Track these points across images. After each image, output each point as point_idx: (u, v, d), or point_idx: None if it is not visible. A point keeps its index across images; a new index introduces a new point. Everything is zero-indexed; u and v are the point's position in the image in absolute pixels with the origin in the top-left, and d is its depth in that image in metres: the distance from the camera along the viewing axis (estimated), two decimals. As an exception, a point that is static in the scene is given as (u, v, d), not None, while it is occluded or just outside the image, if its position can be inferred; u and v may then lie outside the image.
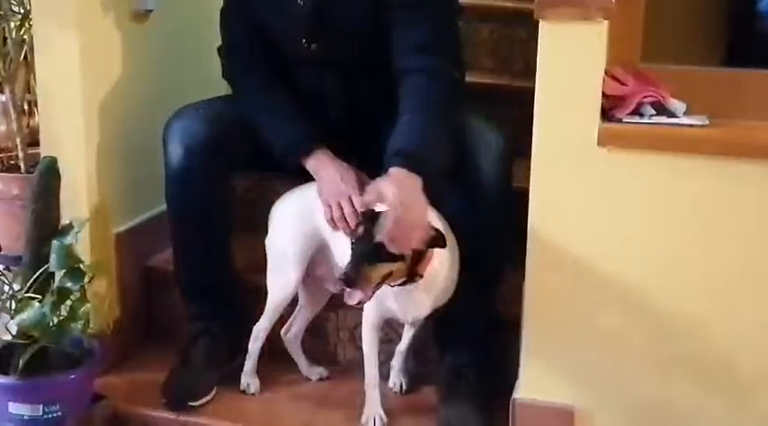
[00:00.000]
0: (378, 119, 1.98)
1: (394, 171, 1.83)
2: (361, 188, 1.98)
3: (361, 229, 1.82)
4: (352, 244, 1.82)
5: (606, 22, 1.78)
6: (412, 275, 1.86)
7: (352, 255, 1.79)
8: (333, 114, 2.16)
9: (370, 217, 1.81)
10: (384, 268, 1.79)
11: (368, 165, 2.00)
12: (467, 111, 2.02)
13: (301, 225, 2.07)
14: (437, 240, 1.84)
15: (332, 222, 1.98)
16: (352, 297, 1.81)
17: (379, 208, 1.82)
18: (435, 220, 1.89)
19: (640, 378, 1.90)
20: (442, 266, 1.90)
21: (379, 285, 1.82)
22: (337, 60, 2.10)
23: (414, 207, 1.80)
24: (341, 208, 1.96)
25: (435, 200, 1.90)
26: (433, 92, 1.94)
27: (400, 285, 1.88)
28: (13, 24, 2.30)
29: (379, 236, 1.77)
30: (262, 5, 2.10)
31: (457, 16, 2.09)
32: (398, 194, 1.78)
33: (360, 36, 2.05)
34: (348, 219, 1.95)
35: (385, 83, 1.99)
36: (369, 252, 1.78)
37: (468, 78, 2.14)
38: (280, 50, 2.14)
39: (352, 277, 1.77)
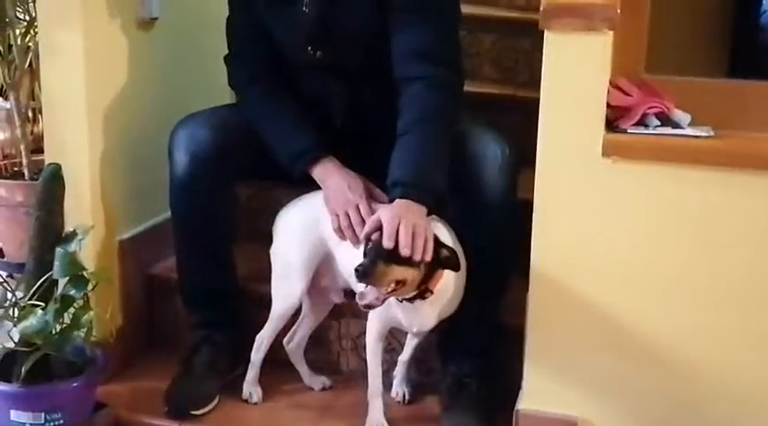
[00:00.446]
0: (383, 125, 1.98)
1: (396, 203, 1.85)
2: (369, 196, 1.99)
3: (377, 234, 1.82)
4: (369, 245, 1.82)
5: (611, 32, 1.78)
6: (422, 291, 1.85)
7: (370, 252, 1.80)
8: (338, 121, 2.16)
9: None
10: (399, 271, 1.79)
11: (374, 172, 2.00)
12: (471, 122, 2.02)
13: (307, 234, 2.07)
14: (451, 261, 1.84)
15: (339, 231, 1.97)
16: (364, 298, 1.81)
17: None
18: (449, 241, 1.89)
19: (644, 390, 1.90)
20: (450, 281, 1.89)
21: (390, 292, 1.81)
22: (342, 67, 2.10)
23: (415, 220, 1.80)
24: (348, 217, 1.96)
25: (441, 211, 1.91)
26: (434, 103, 1.95)
27: (409, 300, 1.87)
28: (18, 31, 2.31)
29: (386, 242, 1.78)
30: (266, 13, 2.10)
31: (458, 23, 2.09)
32: (396, 214, 1.80)
33: (364, 42, 2.05)
34: (355, 228, 1.95)
35: (389, 89, 1.99)
36: (386, 251, 1.78)
37: (473, 88, 2.15)
38: (285, 58, 2.14)
39: (368, 270, 1.77)
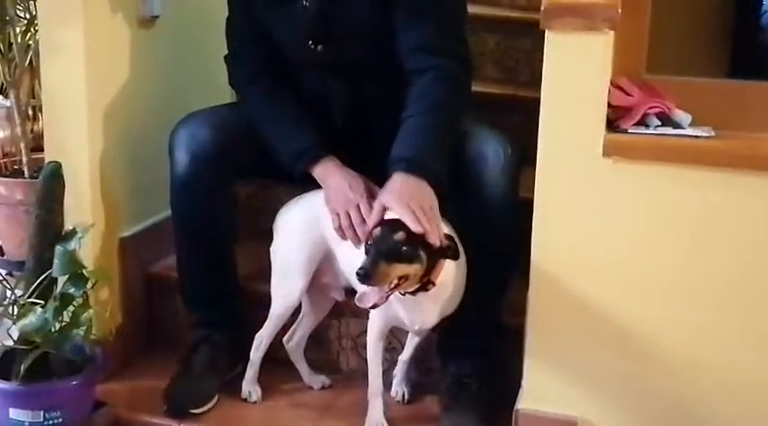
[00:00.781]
0: (383, 124, 1.98)
1: (396, 176, 1.86)
2: (370, 196, 1.98)
3: (377, 231, 1.81)
4: (369, 243, 1.81)
5: (612, 32, 1.77)
6: (425, 284, 1.85)
7: (371, 252, 1.79)
8: (338, 120, 2.16)
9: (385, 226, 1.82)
10: (400, 268, 1.78)
11: (375, 172, 2.00)
12: (473, 121, 2.02)
13: (307, 232, 2.06)
14: (450, 250, 1.84)
15: (340, 231, 1.97)
16: (367, 300, 1.80)
17: (389, 215, 1.84)
18: (447, 230, 1.89)
19: (644, 389, 1.90)
20: (451, 274, 1.89)
21: (393, 288, 1.80)
22: (343, 63, 2.10)
23: (423, 197, 1.81)
24: (349, 217, 1.96)
25: (441, 206, 1.91)
26: (437, 93, 1.96)
27: (411, 293, 1.87)
28: (18, 29, 2.31)
29: (415, 229, 1.77)
30: (266, 10, 2.10)
31: (463, 19, 2.10)
32: (401, 195, 1.81)
33: (365, 37, 2.06)
34: (356, 228, 1.95)
35: (390, 86, 2.00)
36: (387, 250, 1.78)
37: (475, 88, 2.14)
38: (285, 55, 2.14)
39: (370, 272, 1.76)
